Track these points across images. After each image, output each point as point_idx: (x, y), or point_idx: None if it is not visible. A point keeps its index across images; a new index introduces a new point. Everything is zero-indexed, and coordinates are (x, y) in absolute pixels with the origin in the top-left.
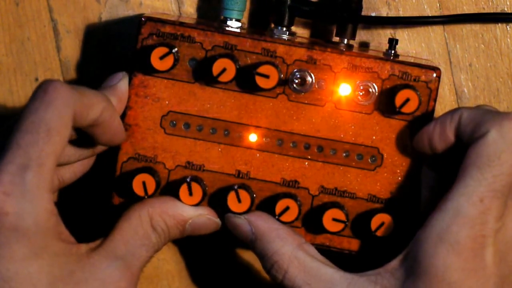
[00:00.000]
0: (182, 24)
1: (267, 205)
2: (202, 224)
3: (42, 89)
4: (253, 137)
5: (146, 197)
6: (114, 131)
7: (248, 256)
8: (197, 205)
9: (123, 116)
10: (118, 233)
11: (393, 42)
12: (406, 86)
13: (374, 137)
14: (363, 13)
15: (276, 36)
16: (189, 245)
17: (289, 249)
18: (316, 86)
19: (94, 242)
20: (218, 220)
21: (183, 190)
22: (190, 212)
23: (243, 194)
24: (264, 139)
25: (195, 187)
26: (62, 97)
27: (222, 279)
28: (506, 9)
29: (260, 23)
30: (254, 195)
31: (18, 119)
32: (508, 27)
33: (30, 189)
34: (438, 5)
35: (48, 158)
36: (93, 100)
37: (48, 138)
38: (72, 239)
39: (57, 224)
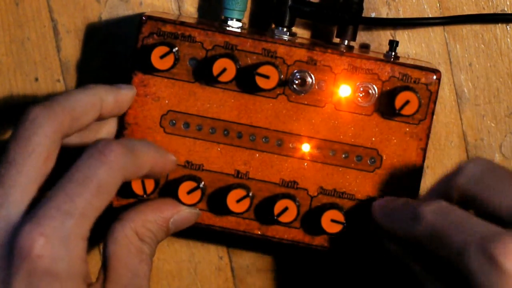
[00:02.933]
0: (183, 23)
1: (266, 206)
2: (184, 219)
3: (98, 149)
4: (252, 137)
5: (145, 196)
6: (164, 173)
7: (248, 256)
8: (195, 204)
9: (123, 115)
10: (114, 260)
11: (393, 44)
12: (406, 88)
13: (373, 139)
14: (363, 14)
15: (276, 37)
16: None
17: None
18: (316, 87)
19: (98, 278)
20: (197, 211)
21: (182, 189)
22: (168, 213)
23: (242, 194)
24: (263, 139)
25: (194, 187)
26: (117, 161)
27: (222, 279)
28: (506, 9)
29: (261, 23)
30: (253, 195)
31: (68, 171)
32: (508, 27)
33: (68, 236)
34: (438, 5)
35: (92, 211)
36: (145, 160)
37: (97, 194)
38: (90, 279)
39: (86, 271)
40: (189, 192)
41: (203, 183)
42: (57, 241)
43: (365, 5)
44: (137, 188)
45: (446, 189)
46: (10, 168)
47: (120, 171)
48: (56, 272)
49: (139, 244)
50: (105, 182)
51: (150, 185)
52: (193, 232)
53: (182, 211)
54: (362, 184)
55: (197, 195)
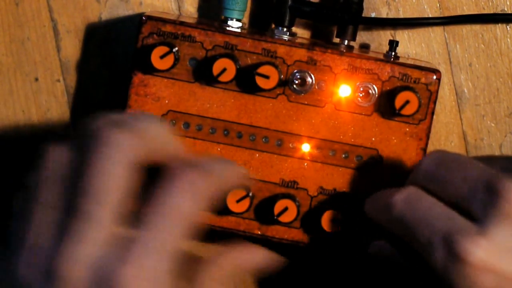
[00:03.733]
0: (183, 23)
1: (265, 206)
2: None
3: (186, 181)
4: (252, 137)
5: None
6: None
7: None
8: None
9: None
10: None
11: (393, 44)
12: (406, 88)
13: (373, 139)
14: (363, 14)
15: (276, 37)
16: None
17: None
18: (316, 87)
19: None
20: (282, 260)
21: None
22: (256, 264)
23: (242, 194)
24: (263, 139)
25: None
26: (205, 193)
27: None
28: (506, 9)
29: (261, 23)
30: (253, 195)
31: (153, 200)
32: (508, 27)
33: (159, 274)
34: (438, 5)
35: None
36: (226, 182)
37: (187, 229)
38: None
39: None
40: None
41: None
42: (149, 277)
43: (365, 5)
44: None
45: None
46: (93, 203)
47: (207, 201)
48: None
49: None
50: (194, 216)
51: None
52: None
53: (266, 261)
54: (362, 184)
55: None
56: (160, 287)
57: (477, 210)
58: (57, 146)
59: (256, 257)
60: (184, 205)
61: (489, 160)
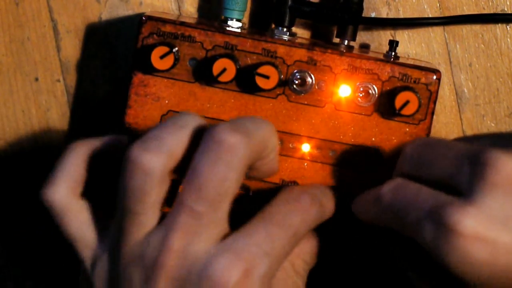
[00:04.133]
0: (182, 23)
1: None
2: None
3: (301, 200)
4: None
5: None
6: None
7: None
8: None
9: (123, 115)
10: None
11: (393, 44)
12: (406, 88)
13: (373, 139)
14: (363, 14)
15: (276, 37)
16: None
17: None
18: (316, 87)
19: None
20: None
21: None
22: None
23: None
24: None
25: None
26: (314, 212)
27: None
28: (506, 9)
29: (260, 23)
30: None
31: (266, 210)
32: (508, 27)
33: (264, 276)
34: (438, 5)
35: (285, 256)
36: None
37: (293, 240)
38: None
39: None
40: None
41: None
42: (254, 279)
43: (365, 5)
44: None
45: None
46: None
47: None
48: None
49: (295, 278)
50: (300, 231)
51: None
52: None
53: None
54: (362, 184)
55: None
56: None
57: (463, 184)
58: (155, 149)
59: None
60: (295, 220)
61: (474, 138)
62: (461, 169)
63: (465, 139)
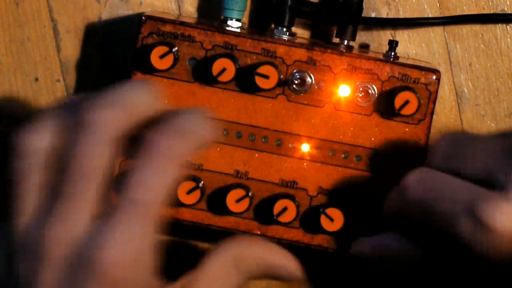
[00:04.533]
0: (182, 23)
1: (265, 206)
2: (285, 276)
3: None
4: (252, 137)
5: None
6: None
7: None
8: (194, 204)
9: None
10: (203, 270)
11: (393, 44)
12: (406, 88)
13: (373, 139)
14: (363, 14)
15: (276, 37)
16: (189, 245)
17: None
18: (316, 87)
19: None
20: (300, 274)
21: (182, 189)
22: (276, 262)
23: (241, 194)
24: (263, 139)
25: (194, 186)
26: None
27: None
28: (506, 9)
29: (260, 23)
30: (252, 195)
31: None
32: (508, 27)
33: (138, 244)
34: (438, 5)
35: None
36: None
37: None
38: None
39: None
40: (188, 192)
41: (202, 183)
42: (128, 251)
43: (365, 5)
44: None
45: None
46: (76, 184)
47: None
48: (126, 280)
49: (232, 270)
50: (172, 185)
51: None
52: (193, 232)
53: (287, 267)
54: (361, 184)
55: (196, 195)
56: (144, 261)
57: (501, 178)
58: (38, 129)
59: (279, 260)
60: (162, 177)
61: (507, 134)
62: (499, 164)
63: (498, 135)
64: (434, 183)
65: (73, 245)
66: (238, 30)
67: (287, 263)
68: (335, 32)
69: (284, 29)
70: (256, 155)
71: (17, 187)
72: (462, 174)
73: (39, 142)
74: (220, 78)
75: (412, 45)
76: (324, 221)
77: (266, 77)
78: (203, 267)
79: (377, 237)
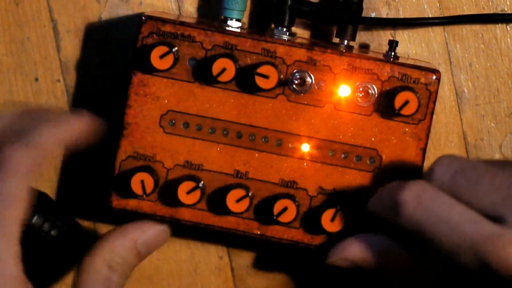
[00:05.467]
0: (182, 23)
1: (265, 206)
2: (152, 238)
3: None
4: (252, 137)
5: (144, 196)
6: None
7: (248, 256)
8: (194, 204)
9: (122, 115)
10: None
11: (393, 44)
12: (406, 88)
13: (373, 139)
14: (363, 14)
15: (276, 37)
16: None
17: None
18: (316, 87)
19: None
20: (165, 228)
21: (182, 189)
22: (134, 234)
23: (241, 194)
24: (263, 139)
25: (194, 186)
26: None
27: (222, 279)
28: (506, 9)
29: (260, 23)
30: (252, 195)
31: None
32: (508, 27)
33: None
34: (438, 5)
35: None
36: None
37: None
38: None
39: None
40: (188, 192)
41: (202, 183)
42: None
43: (365, 5)
44: (136, 187)
45: None
46: None
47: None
48: None
49: (107, 272)
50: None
51: (149, 184)
52: (193, 232)
53: (148, 231)
54: (361, 184)
55: (196, 195)
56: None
57: (510, 219)
58: None
59: (134, 231)
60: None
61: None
62: (508, 204)
63: (505, 164)
64: (434, 204)
65: None
66: (238, 30)
67: (144, 227)
68: (335, 32)
69: (284, 29)
70: (256, 155)
71: None
72: (465, 201)
73: None
74: (220, 78)
75: (412, 45)
76: (324, 221)
77: (266, 77)
78: (82, 282)
79: (364, 239)
